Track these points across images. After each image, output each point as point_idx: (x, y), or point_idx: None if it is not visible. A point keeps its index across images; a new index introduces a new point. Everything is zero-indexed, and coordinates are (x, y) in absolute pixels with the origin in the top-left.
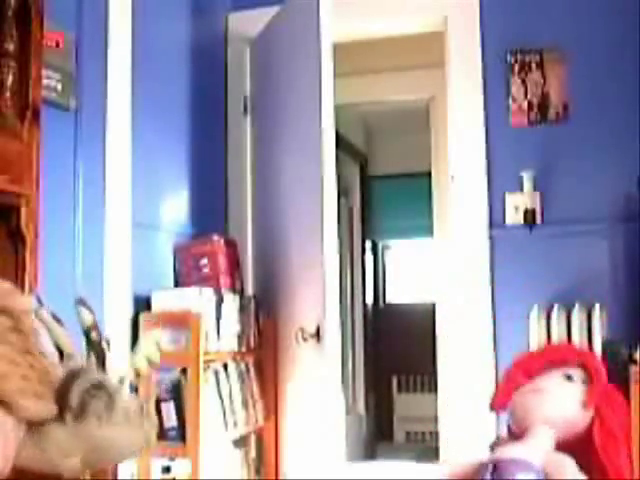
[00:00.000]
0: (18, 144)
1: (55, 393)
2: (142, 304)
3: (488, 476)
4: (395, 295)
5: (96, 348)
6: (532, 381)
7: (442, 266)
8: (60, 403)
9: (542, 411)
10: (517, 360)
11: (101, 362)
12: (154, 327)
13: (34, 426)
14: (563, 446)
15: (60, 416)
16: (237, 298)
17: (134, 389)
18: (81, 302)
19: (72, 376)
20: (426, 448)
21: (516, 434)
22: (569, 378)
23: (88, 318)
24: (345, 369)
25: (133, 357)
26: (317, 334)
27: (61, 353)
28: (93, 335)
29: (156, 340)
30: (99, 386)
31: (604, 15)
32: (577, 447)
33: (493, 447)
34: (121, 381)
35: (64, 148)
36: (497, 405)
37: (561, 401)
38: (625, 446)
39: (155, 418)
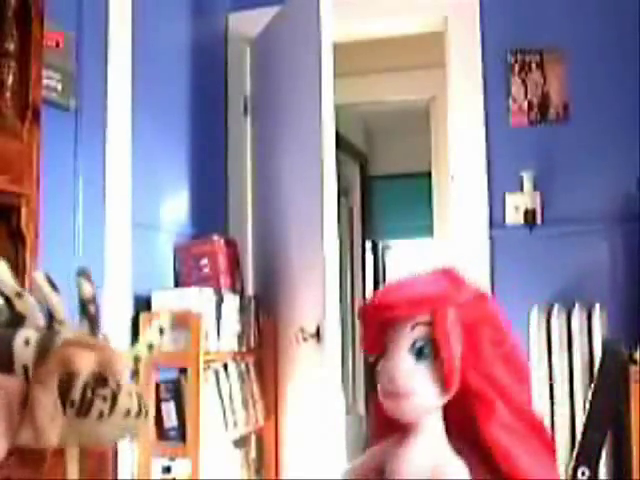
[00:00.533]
0: (18, 144)
1: (58, 386)
2: (142, 304)
3: None
4: None
5: (92, 322)
6: (386, 332)
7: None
8: (61, 393)
9: (411, 414)
10: (363, 309)
11: (95, 335)
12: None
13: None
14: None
15: (63, 409)
16: (237, 298)
17: (134, 374)
18: (82, 273)
19: (72, 365)
20: None
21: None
22: (419, 353)
23: (88, 290)
24: (345, 369)
25: (135, 344)
26: (317, 334)
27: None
28: (91, 308)
29: (160, 326)
30: (102, 381)
31: (604, 15)
32: (462, 414)
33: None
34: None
35: (64, 148)
36: (371, 351)
37: (423, 399)
38: (498, 404)
39: (151, 408)
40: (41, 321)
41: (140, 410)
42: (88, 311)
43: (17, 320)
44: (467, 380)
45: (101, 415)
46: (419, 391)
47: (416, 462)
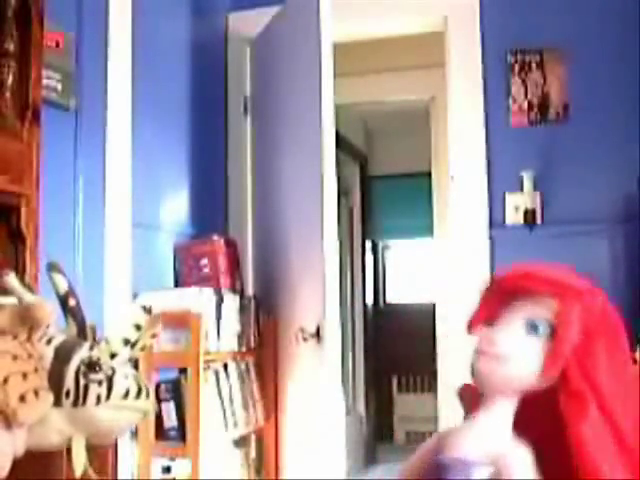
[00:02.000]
0: (18, 144)
1: (48, 377)
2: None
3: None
4: (395, 295)
5: (75, 315)
6: (504, 307)
7: (442, 266)
8: (55, 387)
9: (499, 383)
10: (493, 282)
11: (81, 330)
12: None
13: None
14: (526, 400)
15: (56, 400)
16: (237, 298)
17: (134, 362)
18: (53, 267)
19: (63, 357)
20: None
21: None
22: (534, 329)
23: (62, 284)
24: (345, 369)
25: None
26: (317, 334)
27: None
28: (71, 302)
29: (136, 323)
30: (94, 366)
31: (604, 15)
32: (542, 399)
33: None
34: (126, 342)
35: (64, 148)
36: (472, 330)
37: (518, 369)
38: (592, 406)
39: (150, 390)
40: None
41: (140, 390)
42: (67, 305)
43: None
44: (568, 377)
45: (99, 399)
46: (519, 360)
47: (480, 439)
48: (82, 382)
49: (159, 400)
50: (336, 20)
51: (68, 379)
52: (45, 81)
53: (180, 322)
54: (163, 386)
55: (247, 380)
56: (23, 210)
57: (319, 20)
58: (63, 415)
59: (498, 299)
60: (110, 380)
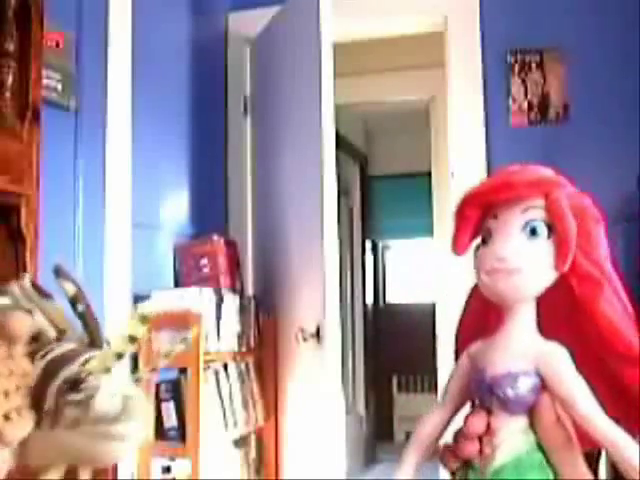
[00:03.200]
0: (18, 144)
1: (31, 396)
2: (142, 304)
3: (486, 401)
4: (395, 295)
5: (85, 320)
6: (488, 220)
7: (442, 266)
8: (36, 406)
9: (520, 294)
10: (467, 195)
11: (93, 334)
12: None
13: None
14: (545, 306)
15: (38, 422)
16: (237, 298)
17: (133, 358)
18: (59, 272)
19: (48, 374)
20: None
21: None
22: (533, 232)
23: (70, 288)
24: (345, 369)
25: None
26: (317, 334)
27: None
28: (79, 308)
29: (141, 314)
30: (76, 384)
31: (604, 15)
32: (559, 297)
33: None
34: (119, 356)
35: (64, 148)
36: (460, 250)
37: (533, 277)
38: (605, 284)
39: (148, 415)
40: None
41: (120, 414)
42: (76, 310)
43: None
44: (575, 264)
45: (73, 423)
46: (530, 267)
47: (514, 348)
48: (61, 402)
49: (159, 400)
50: (336, 20)
51: (49, 398)
52: (45, 81)
53: (180, 322)
54: (163, 386)
55: (247, 380)
56: (23, 210)
57: (319, 20)
58: (42, 438)
59: (479, 214)
60: (89, 401)
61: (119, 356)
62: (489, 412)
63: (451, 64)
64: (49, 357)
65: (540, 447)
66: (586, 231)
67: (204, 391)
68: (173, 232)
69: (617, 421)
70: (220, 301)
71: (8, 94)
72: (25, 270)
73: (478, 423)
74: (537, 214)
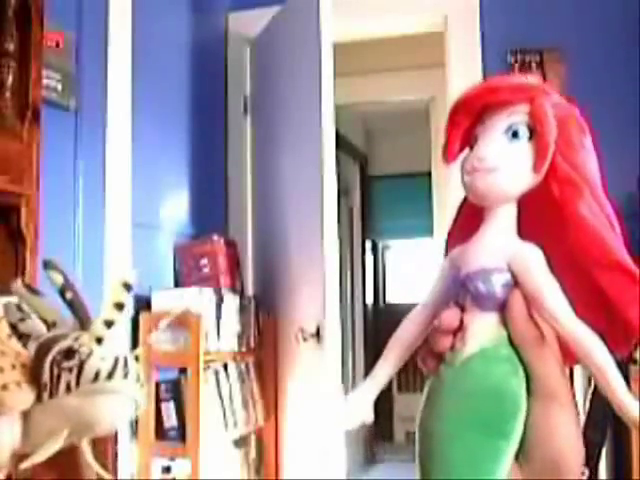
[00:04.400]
0: (18, 144)
1: (30, 375)
2: (142, 304)
3: (460, 297)
4: (395, 295)
5: (74, 309)
6: (476, 126)
7: None
8: (35, 383)
9: (498, 193)
10: (456, 103)
11: (82, 319)
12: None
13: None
14: (526, 212)
15: (38, 397)
16: (237, 298)
17: (134, 358)
18: (48, 264)
19: (42, 350)
20: None
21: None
22: (514, 135)
23: (57, 279)
24: (345, 369)
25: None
26: (317, 334)
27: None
28: (67, 295)
29: (124, 282)
30: (69, 353)
31: (604, 15)
32: (539, 203)
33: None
34: (108, 324)
35: (64, 148)
36: (450, 158)
37: (511, 176)
38: (586, 190)
39: (141, 376)
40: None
41: (113, 371)
42: (65, 298)
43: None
44: (555, 167)
45: (68, 387)
46: (509, 166)
47: (489, 246)
48: (55, 372)
49: (159, 400)
50: (336, 20)
51: (45, 371)
52: (45, 81)
53: (180, 322)
54: (163, 386)
55: (247, 380)
56: (23, 210)
57: (319, 20)
58: (43, 411)
59: (468, 121)
60: (81, 365)
61: (108, 324)
62: (463, 309)
63: (451, 64)
64: (42, 338)
65: (511, 344)
66: (568, 136)
67: (204, 391)
68: (173, 232)
69: (599, 334)
70: (220, 301)
71: (8, 94)
72: (25, 270)
73: (451, 318)
74: (520, 118)
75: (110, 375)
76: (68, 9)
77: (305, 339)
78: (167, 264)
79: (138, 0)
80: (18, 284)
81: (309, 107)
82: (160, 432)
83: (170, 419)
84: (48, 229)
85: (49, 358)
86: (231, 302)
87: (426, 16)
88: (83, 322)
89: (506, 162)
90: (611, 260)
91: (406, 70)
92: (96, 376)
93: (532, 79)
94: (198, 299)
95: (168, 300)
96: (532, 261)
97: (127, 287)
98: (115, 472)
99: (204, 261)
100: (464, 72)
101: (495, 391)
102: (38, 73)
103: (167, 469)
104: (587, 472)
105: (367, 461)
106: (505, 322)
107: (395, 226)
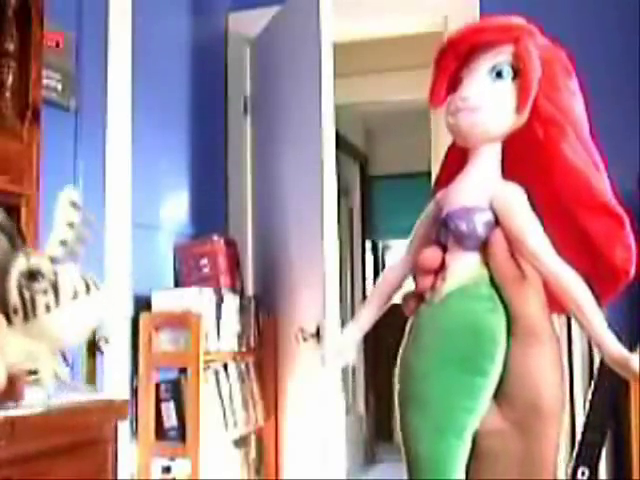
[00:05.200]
0: (18, 144)
1: None
2: (142, 304)
3: (442, 237)
4: (395, 295)
5: (1, 227)
6: (462, 70)
7: None
8: (1, 308)
9: (481, 132)
10: (442, 46)
11: (11, 241)
12: (156, 327)
13: None
14: (510, 155)
15: (7, 321)
16: (237, 298)
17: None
18: (69, 200)
19: (0, 274)
20: None
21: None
22: (498, 75)
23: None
24: (345, 369)
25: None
26: (317, 334)
27: None
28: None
29: (71, 200)
30: (35, 275)
31: (604, 15)
32: (523, 145)
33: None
34: (62, 243)
35: (64, 148)
36: (436, 101)
37: (494, 115)
38: (570, 131)
39: (97, 282)
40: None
41: (88, 285)
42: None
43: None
44: (539, 107)
45: (48, 308)
46: (492, 105)
47: (471, 186)
48: (27, 295)
49: (159, 400)
50: (336, 20)
51: (12, 296)
52: (45, 81)
53: (180, 322)
54: (163, 386)
55: (247, 380)
56: (23, 210)
57: (319, 20)
58: (18, 333)
59: (454, 64)
60: (55, 285)
61: (63, 243)
62: (444, 250)
63: None
64: None
65: (493, 284)
66: (552, 77)
67: (204, 391)
68: (173, 232)
69: (584, 278)
70: (220, 301)
71: (8, 94)
72: None
73: (431, 256)
74: (504, 58)
75: (88, 290)
76: (68, 9)
77: (305, 339)
78: (167, 264)
79: (138, 0)
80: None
81: (309, 107)
82: (160, 432)
83: (170, 419)
84: (48, 229)
85: (13, 282)
86: (231, 302)
87: (426, 16)
88: (12, 241)
89: (489, 101)
90: (596, 202)
91: (406, 70)
92: (75, 294)
93: (517, 19)
94: (198, 299)
95: (168, 300)
96: (514, 200)
97: (75, 206)
98: (115, 472)
99: (204, 261)
100: None
101: (473, 327)
102: (38, 73)
103: (167, 469)
104: (587, 472)
105: (367, 461)
106: (487, 262)
107: (395, 226)
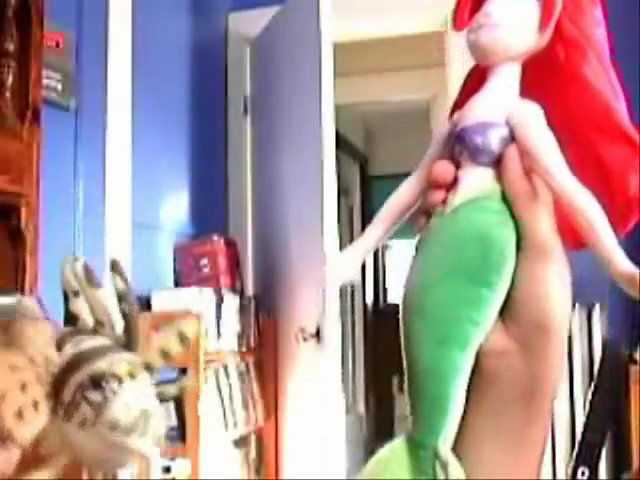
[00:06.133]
0: (18, 144)
1: (52, 385)
2: (142, 304)
3: (456, 152)
4: (395, 295)
5: (127, 320)
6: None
7: None
8: (55, 396)
9: (502, 49)
10: None
11: (131, 336)
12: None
13: None
14: (528, 77)
15: (54, 409)
16: (237, 298)
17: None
18: (113, 266)
19: (73, 366)
20: None
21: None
22: None
23: (120, 284)
24: (345, 369)
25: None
26: (317, 334)
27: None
28: (124, 306)
29: (180, 331)
30: (98, 383)
31: (604, 15)
32: (543, 66)
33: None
34: (148, 367)
35: (64, 148)
36: (460, 23)
37: (515, 33)
38: (592, 54)
39: (159, 433)
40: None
41: (132, 427)
42: (121, 307)
43: (70, 319)
44: (562, 29)
45: (84, 422)
46: (513, 23)
47: (488, 102)
48: (77, 397)
49: (159, 400)
50: (336, 20)
51: (68, 390)
52: (45, 81)
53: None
54: None
55: (247, 380)
56: (23, 210)
57: (319, 20)
58: (54, 429)
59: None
60: (105, 404)
61: (148, 367)
62: (458, 167)
63: (451, 64)
64: (78, 348)
65: (505, 200)
66: (577, 1)
67: (204, 391)
68: (173, 232)
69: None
70: (220, 301)
71: (8, 94)
72: (25, 270)
73: (445, 170)
74: None
75: (129, 430)
76: (68, 9)
77: (305, 339)
78: (167, 264)
79: (138, 0)
80: (80, 263)
81: (309, 107)
82: None
83: (170, 419)
84: (48, 229)
85: (76, 380)
86: (231, 302)
87: (426, 16)
88: (130, 341)
89: (512, 18)
90: (613, 126)
91: (406, 70)
92: (114, 426)
93: None
94: (198, 299)
95: (168, 300)
96: (531, 117)
97: (183, 339)
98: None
99: (204, 261)
100: (464, 72)
101: (482, 238)
102: (38, 73)
103: (167, 469)
104: (587, 472)
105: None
106: (500, 178)
107: (395, 226)
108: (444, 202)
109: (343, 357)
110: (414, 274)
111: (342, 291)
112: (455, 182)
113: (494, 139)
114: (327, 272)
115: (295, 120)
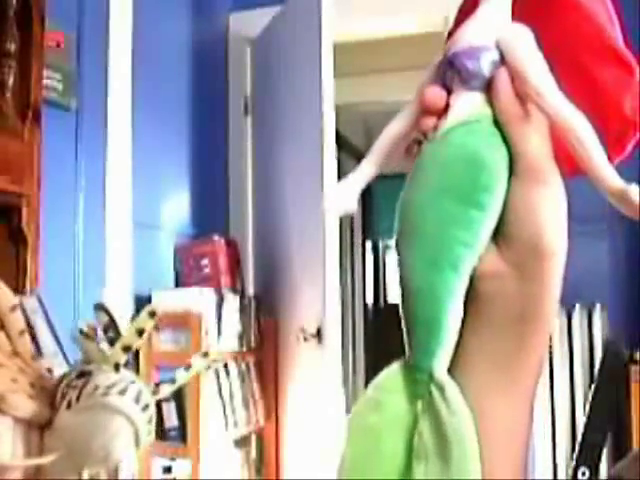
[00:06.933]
0: (19, 144)
1: (50, 396)
2: (143, 304)
3: (447, 79)
4: (395, 295)
5: (112, 345)
6: None
7: None
8: (52, 405)
9: None
10: None
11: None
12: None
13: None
14: (520, 3)
15: (50, 421)
16: (238, 298)
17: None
18: (97, 307)
19: (63, 374)
20: None
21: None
22: None
23: (103, 318)
24: (345, 369)
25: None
26: (318, 334)
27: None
28: (110, 334)
29: (151, 310)
30: (82, 374)
31: None
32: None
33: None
34: (127, 349)
35: (65, 148)
36: None
37: None
38: None
39: (151, 407)
40: None
41: (112, 385)
42: (107, 336)
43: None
44: None
45: (69, 404)
46: None
47: (479, 26)
48: (65, 389)
49: (159, 400)
50: (337, 20)
51: (58, 392)
52: (46, 81)
53: (181, 322)
54: None
55: (247, 380)
56: (24, 210)
57: (319, 20)
58: (50, 433)
59: None
60: (86, 382)
61: (127, 349)
62: (449, 93)
63: None
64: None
65: (496, 123)
66: None
67: (204, 391)
68: (174, 232)
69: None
70: (221, 301)
71: (9, 94)
72: (26, 270)
73: (436, 95)
74: None
75: (109, 387)
76: (68, 9)
77: (306, 339)
78: (168, 264)
79: (138, 0)
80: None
81: (309, 107)
82: (161, 432)
83: (171, 419)
84: (48, 229)
85: (65, 380)
86: (232, 302)
87: (426, 16)
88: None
89: None
90: (606, 47)
91: (406, 70)
92: (95, 388)
93: None
94: (199, 299)
95: (168, 300)
96: (520, 38)
97: (152, 315)
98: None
99: (205, 261)
100: None
101: (472, 159)
102: (39, 73)
103: (168, 469)
104: (588, 473)
105: None
106: (491, 101)
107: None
108: (436, 128)
109: (343, 357)
110: (406, 197)
111: (342, 291)
112: (447, 109)
113: (485, 62)
114: (325, 203)
115: (295, 120)
